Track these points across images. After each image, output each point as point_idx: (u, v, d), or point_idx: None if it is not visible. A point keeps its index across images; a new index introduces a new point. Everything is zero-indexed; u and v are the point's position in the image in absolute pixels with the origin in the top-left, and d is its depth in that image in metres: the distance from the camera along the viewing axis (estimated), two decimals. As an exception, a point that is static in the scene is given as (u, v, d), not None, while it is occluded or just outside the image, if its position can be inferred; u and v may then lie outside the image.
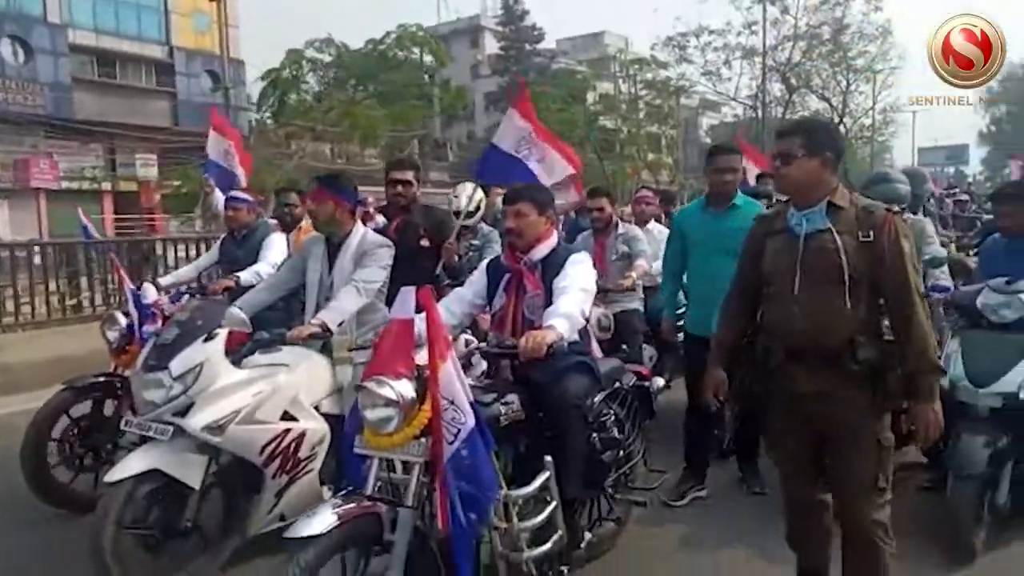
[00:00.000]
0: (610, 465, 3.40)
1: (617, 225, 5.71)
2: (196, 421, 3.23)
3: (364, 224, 4.21)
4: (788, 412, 2.83)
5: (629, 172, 32.49)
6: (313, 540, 2.23)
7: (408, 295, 2.50)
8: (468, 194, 5.64)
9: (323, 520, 2.26)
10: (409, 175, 4.77)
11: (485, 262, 3.51)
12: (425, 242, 4.67)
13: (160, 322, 4.02)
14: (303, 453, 3.52)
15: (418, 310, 2.50)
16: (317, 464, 3.61)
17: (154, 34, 30.13)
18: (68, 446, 4.24)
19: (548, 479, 2.89)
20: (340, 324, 3.69)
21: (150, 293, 4.42)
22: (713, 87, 33.03)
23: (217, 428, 3.25)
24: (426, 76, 30.57)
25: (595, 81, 37.27)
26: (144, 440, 3.32)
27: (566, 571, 2.97)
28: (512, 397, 2.98)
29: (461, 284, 5.62)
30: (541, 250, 3.27)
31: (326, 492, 3.70)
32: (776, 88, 32.45)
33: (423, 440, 2.44)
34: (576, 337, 3.11)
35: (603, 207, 5.66)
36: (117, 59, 29.45)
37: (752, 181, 12.18)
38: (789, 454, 2.93)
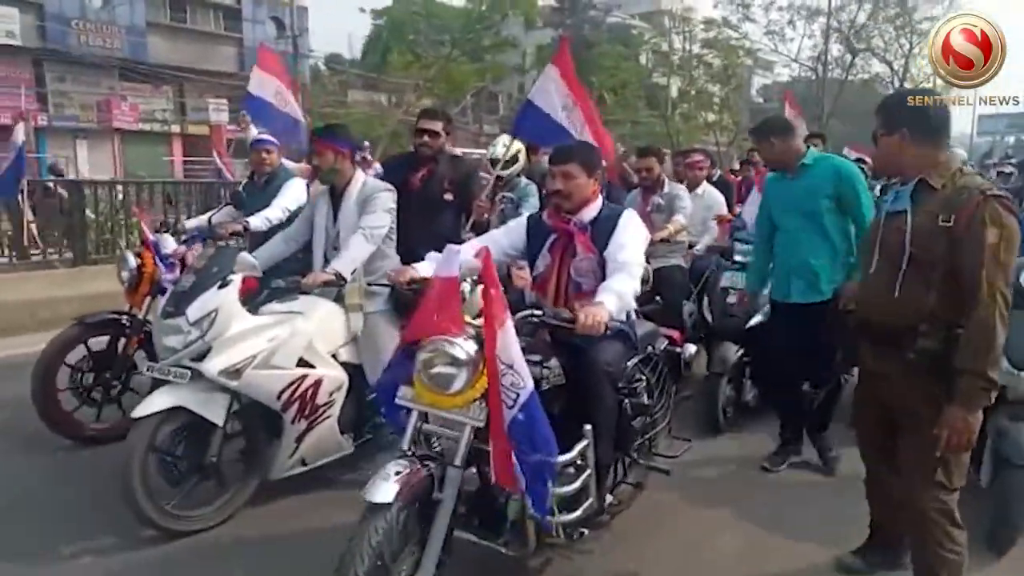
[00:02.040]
0: (638, 431, 3.26)
1: (663, 184, 5.63)
2: (213, 365, 3.21)
3: (365, 171, 4.07)
4: (862, 387, 2.83)
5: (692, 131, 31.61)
6: (385, 507, 2.21)
7: (452, 253, 2.40)
8: (505, 143, 5.53)
9: (389, 487, 2.22)
10: (438, 125, 4.53)
11: (526, 215, 3.28)
12: (449, 196, 4.48)
13: (179, 270, 3.99)
14: (321, 399, 3.48)
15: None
16: (335, 411, 3.57)
17: (223, -20, 30.18)
18: (80, 375, 4.29)
19: (586, 447, 2.76)
20: (353, 272, 3.59)
21: (168, 242, 4.37)
22: (775, 47, 31.85)
23: (234, 372, 3.24)
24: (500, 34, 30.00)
25: (656, 38, 36.19)
26: (159, 384, 3.33)
27: (586, 532, 2.89)
28: (553, 361, 2.82)
29: None
30: (590, 212, 3.04)
31: (345, 440, 3.70)
32: (835, 50, 31.12)
33: (483, 404, 2.37)
34: (621, 316, 2.93)
35: (652, 167, 5.59)
36: (188, 3, 29.60)
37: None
38: (861, 427, 2.92)
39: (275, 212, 4.56)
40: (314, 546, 3.26)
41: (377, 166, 4.94)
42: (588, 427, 2.79)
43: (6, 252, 9.01)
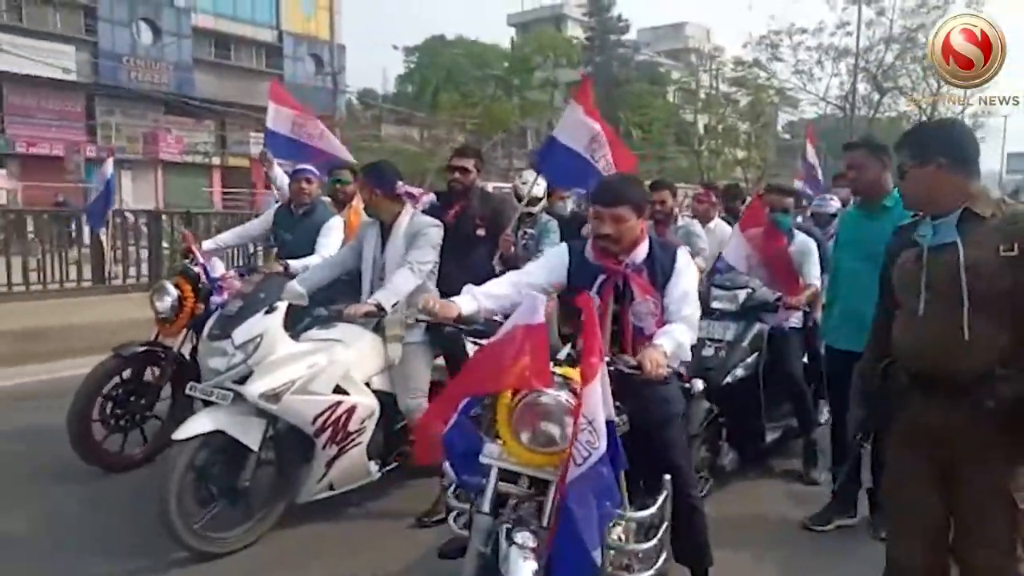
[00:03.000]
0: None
1: (677, 219, 5.53)
2: (254, 388, 3.29)
3: (414, 205, 4.12)
4: (911, 448, 2.36)
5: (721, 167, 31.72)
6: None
7: (537, 300, 2.27)
8: (534, 180, 5.55)
9: (525, 568, 2.13)
10: (469, 163, 4.60)
11: (565, 246, 3.00)
12: (482, 231, 4.56)
13: (226, 294, 4.06)
14: (353, 426, 3.54)
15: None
16: (366, 438, 3.63)
17: (266, 18, 31.02)
18: (111, 405, 4.32)
19: (666, 499, 2.57)
20: (395, 304, 3.66)
21: (218, 266, 4.45)
22: (803, 86, 31.93)
23: (273, 396, 3.31)
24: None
25: (685, 76, 36.48)
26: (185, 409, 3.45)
27: None
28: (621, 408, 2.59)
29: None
30: (641, 252, 2.81)
31: (372, 466, 3.75)
32: (862, 88, 31.08)
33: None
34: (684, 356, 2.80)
35: (665, 199, 5.38)
36: (232, 41, 30.48)
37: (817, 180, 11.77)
38: (906, 499, 2.39)
39: (317, 260, 4.43)
40: (341, 571, 3.32)
41: (427, 197, 4.88)
42: (668, 478, 2.62)
43: (87, 277, 9.40)
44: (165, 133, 27.90)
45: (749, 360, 4.29)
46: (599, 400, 2.12)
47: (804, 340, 4.75)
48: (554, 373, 2.31)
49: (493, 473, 2.28)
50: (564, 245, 3.04)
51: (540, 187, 5.63)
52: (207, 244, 4.96)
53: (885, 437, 2.53)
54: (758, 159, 32.10)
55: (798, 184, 9.52)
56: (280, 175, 5.73)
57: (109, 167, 8.50)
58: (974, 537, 2.24)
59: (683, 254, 2.89)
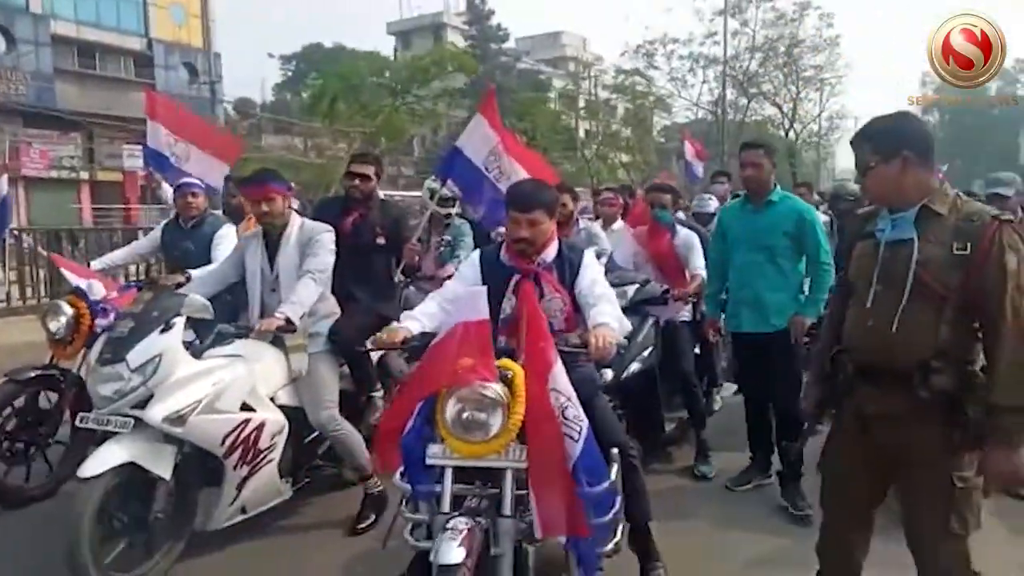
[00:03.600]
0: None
1: (578, 221, 5.59)
2: (156, 412, 3.06)
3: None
4: (852, 433, 2.42)
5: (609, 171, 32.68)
6: (455, 568, 2.11)
7: (478, 295, 2.35)
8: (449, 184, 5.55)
9: (456, 550, 2.12)
10: (370, 169, 4.42)
11: (476, 255, 3.14)
12: (381, 240, 4.40)
13: (112, 316, 3.75)
14: (263, 443, 3.38)
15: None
16: (277, 455, 3.47)
17: (133, 26, 29.38)
18: (7, 436, 4.00)
19: (618, 473, 2.70)
20: (302, 316, 3.52)
21: (97, 288, 4.10)
22: (678, 92, 33.19)
23: (178, 419, 3.09)
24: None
25: (568, 84, 37.27)
26: (104, 436, 3.14)
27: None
28: None
29: (415, 283, 5.57)
30: (551, 251, 2.95)
31: (284, 484, 3.59)
32: (730, 93, 32.58)
33: (521, 445, 2.27)
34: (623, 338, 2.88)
35: (566, 203, 5.46)
36: (97, 50, 28.70)
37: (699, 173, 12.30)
38: (842, 479, 2.48)
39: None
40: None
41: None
42: (615, 451, 2.74)
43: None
44: (27, 147, 25.89)
45: (645, 354, 4.35)
46: (565, 378, 2.24)
47: (694, 332, 4.92)
48: (499, 367, 2.33)
49: (448, 473, 2.32)
50: (475, 253, 3.15)
51: (450, 190, 5.64)
52: (95, 264, 4.72)
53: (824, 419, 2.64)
54: (641, 162, 33.07)
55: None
56: (168, 191, 5.51)
57: (4, 184, 7.86)
58: (913, 520, 2.31)
59: (589, 253, 3.03)
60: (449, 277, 5.58)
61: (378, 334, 2.80)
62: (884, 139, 2.31)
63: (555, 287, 2.89)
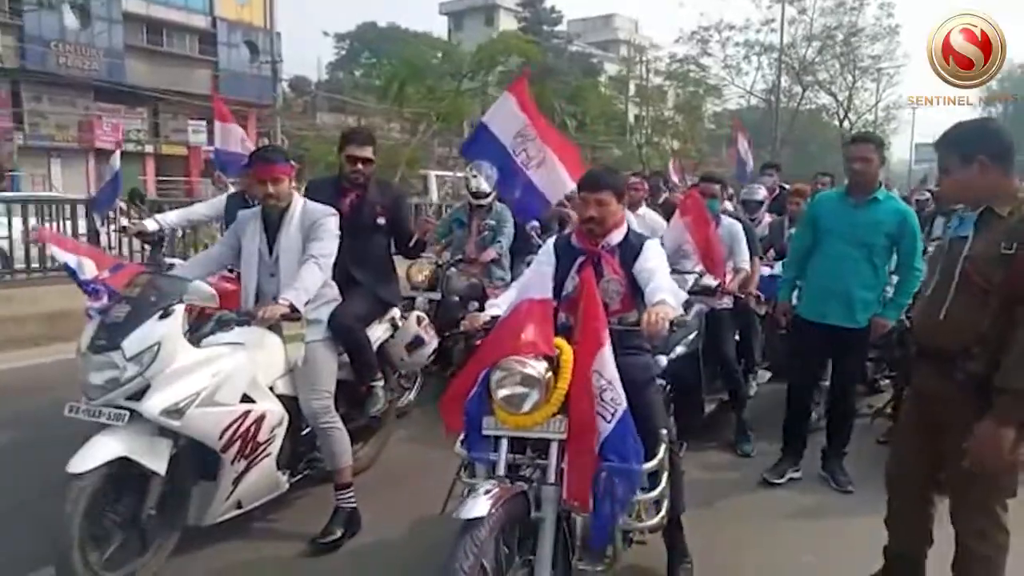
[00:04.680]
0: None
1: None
2: (153, 404, 2.82)
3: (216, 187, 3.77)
4: (912, 405, 2.74)
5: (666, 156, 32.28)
6: (480, 521, 2.13)
7: (544, 276, 2.50)
8: (487, 174, 5.53)
9: (484, 504, 2.16)
10: (369, 151, 4.07)
11: (551, 241, 3.21)
12: (382, 220, 4.12)
13: (105, 298, 3.46)
14: (262, 436, 3.16)
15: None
16: (275, 448, 3.26)
17: (199, 4, 29.73)
18: None
19: (666, 452, 2.76)
20: (306, 303, 3.31)
21: (89, 267, 3.82)
22: (731, 80, 32.28)
23: (176, 412, 2.86)
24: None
25: (622, 69, 36.64)
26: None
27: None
28: None
29: (457, 266, 5.45)
30: (617, 235, 3.03)
31: (282, 477, 3.40)
32: (784, 82, 31.56)
33: (561, 417, 2.36)
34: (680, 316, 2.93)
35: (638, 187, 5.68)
36: (164, 28, 29.13)
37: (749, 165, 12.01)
38: (905, 443, 2.77)
39: None
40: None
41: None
42: (664, 431, 2.81)
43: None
44: (98, 120, 26.50)
45: (690, 338, 4.33)
46: (611, 362, 2.32)
47: (734, 319, 4.95)
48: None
49: (503, 443, 2.42)
50: (550, 241, 3.24)
51: (490, 180, 5.56)
52: (149, 223, 4.59)
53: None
54: (693, 150, 32.37)
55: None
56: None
57: (117, 160, 8.35)
58: (953, 485, 2.55)
59: (652, 240, 3.09)
60: (493, 261, 5.68)
61: (463, 321, 3.01)
62: (963, 144, 2.45)
63: (615, 269, 2.97)
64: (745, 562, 3.38)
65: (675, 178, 12.19)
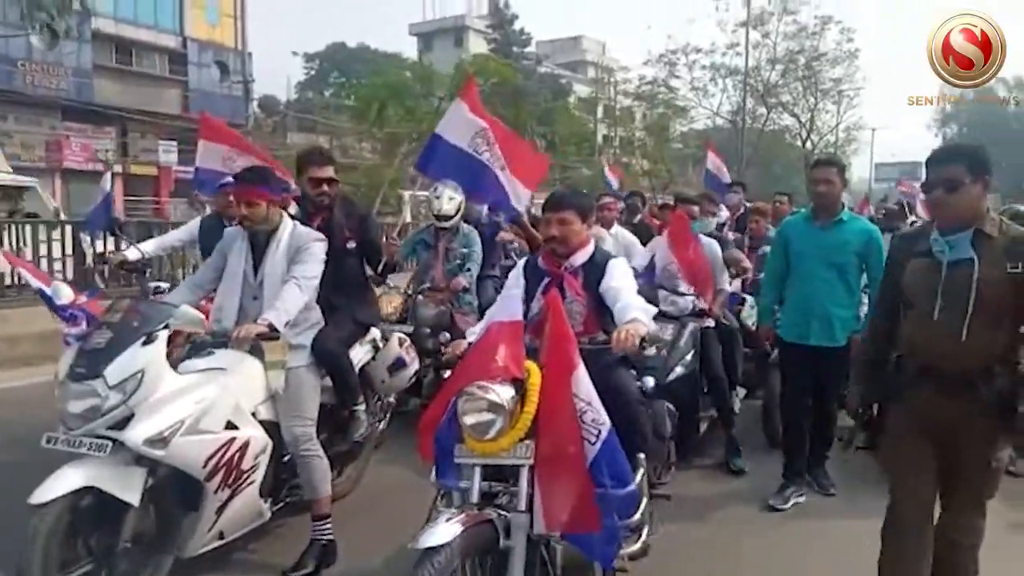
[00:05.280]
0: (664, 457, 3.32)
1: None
2: (137, 434, 2.71)
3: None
4: (912, 423, 2.65)
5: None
6: (438, 549, 2.06)
7: (514, 299, 2.48)
8: (449, 195, 5.42)
9: (445, 531, 2.09)
10: (331, 171, 3.94)
11: (521, 263, 3.22)
12: (352, 243, 4.03)
13: (83, 323, 3.39)
14: (246, 464, 3.07)
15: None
16: (259, 475, 3.17)
17: (168, 24, 29.39)
18: None
19: (643, 475, 2.75)
20: (286, 324, 3.22)
21: (64, 292, 3.68)
22: (699, 102, 32.73)
23: (160, 441, 2.75)
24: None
25: (592, 91, 36.96)
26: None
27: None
28: None
29: (424, 294, 5.37)
30: (582, 255, 3.03)
31: (265, 506, 3.29)
32: (749, 103, 32.07)
33: (528, 443, 2.29)
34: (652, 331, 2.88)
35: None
36: (134, 47, 28.73)
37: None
38: (908, 460, 2.69)
39: None
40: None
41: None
42: (642, 456, 2.77)
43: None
44: (66, 140, 26.01)
45: (687, 359, 4.37)
46: (588, 382, 2.26)
47: (718, 338, 4.97)
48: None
49: (476, 470, 2.35)
50: (520, 263, 3.25)
51: (453, 202, 5.45)
52: (130, 253, 4.50)
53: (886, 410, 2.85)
54: (663, 170, 32.68)
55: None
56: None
57: (107, 181, 8.38)
58: (954, 494, 2.62)
59: (617, 259, 3.09)
60: (464, 289, 5.52)
61: (446, 352, 2.94)
62: (978, 159, 2.48)
63: (577, 291, 2.96)
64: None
65: (614, 184, 12.41)
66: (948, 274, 2.49)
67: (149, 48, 29.10)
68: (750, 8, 28.89)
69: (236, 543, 3.33)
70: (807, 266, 4.17)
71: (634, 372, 3.40)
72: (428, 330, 5.21)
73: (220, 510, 3.02)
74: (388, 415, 4.35)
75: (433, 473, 2.48)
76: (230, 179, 4.68)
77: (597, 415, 2.25)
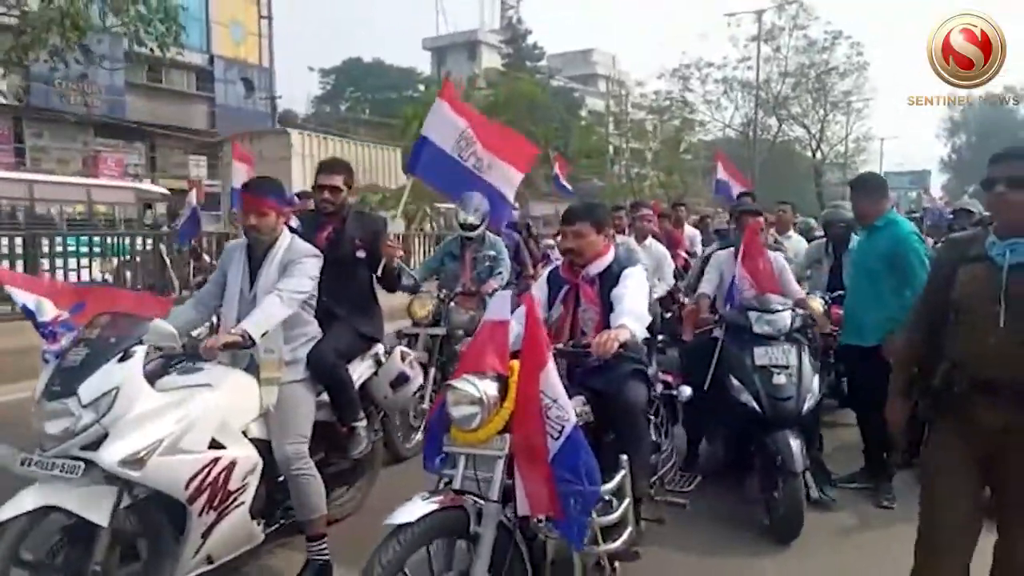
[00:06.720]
0: (654, 467, 3.25)
1: (614, 238, 5.35)
2: (111, 454, 2.50)
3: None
4: (961, 439, 2.40)
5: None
6: (407, 526, 2.16)
7: (504, 299, 2.49)
8: (475, 207, 5.38)
9: (417, 509, 2.19)
10: (339, 180, 3.84)
11: (546, 272, 3.38)
12: (362, 253, 3.86)
13: (63, 341, 3.06)
14: (233, 485, 2.84)
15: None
16: (248, 496, 2.92)
17: (196, 42, 29.57)
18: None
19: (624, 476, 2.77)
20: (264, 335, 2.99)
21: (48, 308, 3.37)
22: (711, 115, 32.48)
23: (136, 462, 2.53)
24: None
25: (605, 103, 36.77)
26: None
27: (618, 567, 2.80)
28: (579, 399, 2.79)
29: (455, 300, 5.27)
30: (598, 265, 3.12)
31: (256, 527, 3.04)
32: (760, 116, 31.73)
33: (505, 436, 2.35)
34: (639, 339, 2.92)
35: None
36: (163, 65, 28.94)
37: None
38: (952, 479, 2.44)
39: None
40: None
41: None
42: (624, 457, 2.79)
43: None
44: (106, 157, 26.28)
45: (814, 385, 3.92)
46: (556, 380, 2.27)
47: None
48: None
49: (460, 459, 2.43)
50: (545, 272, 3.39)
51: (478, 212, 5.41)
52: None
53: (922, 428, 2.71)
54: (678, 181, 32.39)
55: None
56: None
57: (193, 196, 8.78)
58: (1016, 513, 2.37)
59: (632, 269, 3.10)
60: (493, 292, 5.37)
61: None
62: None
63: (591, 299, 3.06)
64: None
65: (562, 179, 12.16)
66: (1011, 278, 2.27)
67: (178, 65, 29.30)
68: (761, 24, 28.67)
69: (227, 565, 3.05)
70: (852, 271, 4.39)
71: (669, 379, 3.59)
72: (461, 332, 5.19)
73: (206, 533, 2.79)
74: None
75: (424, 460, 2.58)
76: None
77: (562, 412, 2.26)
